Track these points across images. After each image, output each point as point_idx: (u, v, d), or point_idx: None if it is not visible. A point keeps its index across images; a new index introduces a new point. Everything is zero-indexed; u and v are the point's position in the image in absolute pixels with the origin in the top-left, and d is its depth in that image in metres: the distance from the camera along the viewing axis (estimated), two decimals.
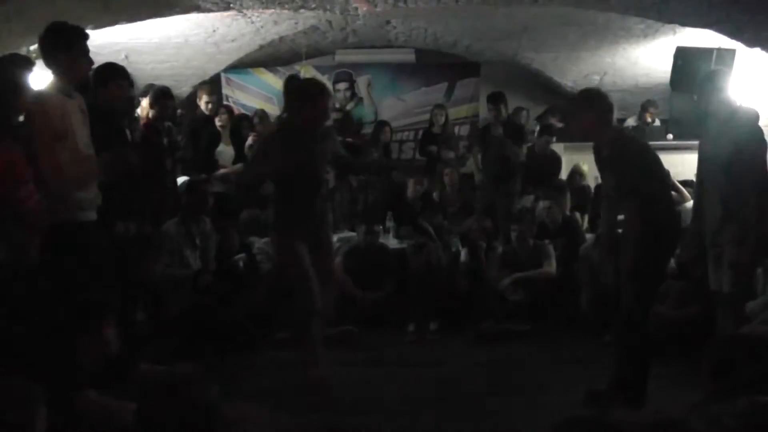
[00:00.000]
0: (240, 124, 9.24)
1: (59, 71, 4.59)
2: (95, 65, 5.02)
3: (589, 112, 4.86)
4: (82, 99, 4.77)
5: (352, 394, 5.39)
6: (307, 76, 11.78)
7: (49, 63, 4.60)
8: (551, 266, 7.31)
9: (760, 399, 2.77)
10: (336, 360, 5.95)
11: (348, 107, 11.78)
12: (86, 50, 4.68)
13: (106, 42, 7.92)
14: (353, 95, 12.07)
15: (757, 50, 6.26)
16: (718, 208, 5.17)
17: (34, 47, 5.67)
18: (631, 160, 4.77)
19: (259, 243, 7.36)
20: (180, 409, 2.69)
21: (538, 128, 11.07)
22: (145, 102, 7.13)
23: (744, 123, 5.13)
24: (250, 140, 8.63)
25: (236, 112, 10.39)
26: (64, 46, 4.57)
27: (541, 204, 8.17)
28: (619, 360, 5.06)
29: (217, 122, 8.74)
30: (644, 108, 10.16)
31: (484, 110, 10.69)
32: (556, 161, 9.44)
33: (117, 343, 4.83)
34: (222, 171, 8.47)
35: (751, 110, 5.26)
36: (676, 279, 6.47)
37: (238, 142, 8.83)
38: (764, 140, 5.17)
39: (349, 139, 9.52)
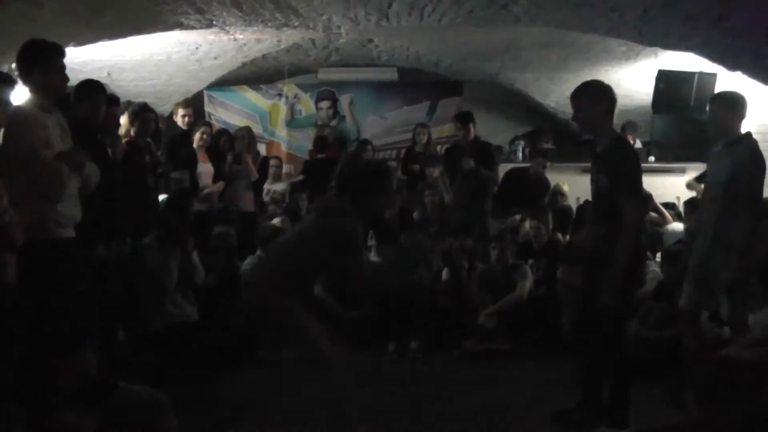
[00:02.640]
0: (219, 138, 9.17)
1: (36, 88, 4.61)
2: (78, 82, 5.02)
3: (598, 103, 4.86)
4: (60, 115, 4.77)
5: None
6: (290, 93, 11.84)
7: (26, 80, 4.63)
8: (524, 288, 7.30)
9: None
10: (315, 378, 5.92)
11: (331, 124, 11.81)
12: (62, 67, 4.69)
13: (89, 59, 7.91)
14: (336, 113, 12.08)
15: (738, 74, 6.29)
16: (714, 231, 5.18)
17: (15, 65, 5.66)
18: (629, 158, 4.82)
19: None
20: None
21: (521, 148, 11.15)
22: (124, 119, 7.09)
23: (747, 148, 5.13)
24: (229, 158, 8.59)
25: (215, 129, 10.33)
26: (40, 63, 4.59)
27: (528, 224, 8.20)
28: (588, 378, 5.15)
29: (197, 141, 8.60)
30: (623, 129, 10.20)
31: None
32: (545, 184, 9.48)
33: (96, 363, 4.78)
34: (206, 190, 8.37)
35: (753, 138, 5.27)
36: (657, 300, 6.50)
37: (216, 158, 8.71)
38: (765, 168, 5.18)
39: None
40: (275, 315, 4.33)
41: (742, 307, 5.40)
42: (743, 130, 5.17)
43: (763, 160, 5.14)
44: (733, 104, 5.20)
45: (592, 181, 5.10)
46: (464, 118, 8.90)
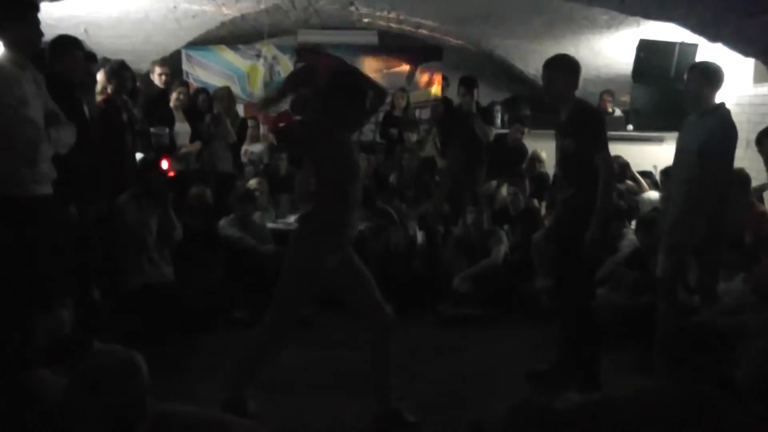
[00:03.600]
0: (197, 98, 9.11)
1: (9, 42, 4.54)
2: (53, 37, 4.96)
3: (567, 76, 5.07)
4: (36, 71, 4.71)
5: (306, 374, 5.46)
6: (269, 54, 11.76)
7: (0, 34, 4.54)
8: (499, 253, 7.34)
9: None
10: (290, 341, 5.95)
11: None
12: (37, 21, 4.62)
13: (65, 15, 7.80)
14: None
15: (719, 45, 6.31)
16: (682, 198, 5.23)
17: None
18: (592, 117, 5.06)
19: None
20: (103, 398, 2.68)
21: (500, 114, 11.13)
22: (100, 76, 7.02)
23: (720, 118, 5.17)
24: (208, 119, 8.52)
25: (193, 88, 10.26)
26: (15, 17, 4.52)
27: (506, 189, 8.21)
28: (561, 342, 5.31)
29: (173, 101, 8.51)
30: (601, 96, 10.25)
31: (451, 93, 10.64)
32: (523, 150, 9.48)
33: (70, 321, 4.78)
34: (183, 150, 8.33)
35: (726, 108, 5.30)
36: (631, 268, 6.56)
37: (194, 117, 8.67)
38: (736, 138, 5.22)
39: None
40: None
41: (711, 274, 5.49)
42: (720, 100, 5.20)
43: (735, 130, 5.19)
44: (709, 75, 5.23)
45: (558, 149, 5.21)
46: (469, 84, 8.61)
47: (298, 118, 7.14)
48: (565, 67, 5.11)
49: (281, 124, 9.01)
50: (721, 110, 5.20)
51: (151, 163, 7.13)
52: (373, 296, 4.63)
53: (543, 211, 8.45)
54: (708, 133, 5.07)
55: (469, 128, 8.41)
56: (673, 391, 2.91)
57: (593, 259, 5.03)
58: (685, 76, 5.41)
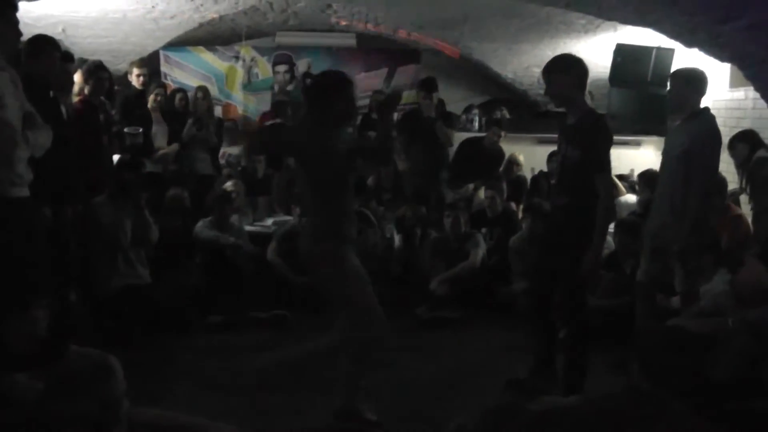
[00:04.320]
0: (174, 97, 9.05)
1: None
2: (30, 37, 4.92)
3: (569, 75, 4.90)
4: (14, 72, 4.66)
5: (283, 377, 5.45)
6: (247, 56, 11.74)
7: None
8: (477, 256, 7.35)
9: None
10: (267, 343, 5.96)
11: (288, 89, 11.73)
12: (15, 21, 4.58)
13: (43, 14, 7.74)
14: (293, 78, 11.99)
15: (695, 51, 6.35)
16: (667, 203, 5.27)
17: None
18: (602, 132, 4.86)
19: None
20: (78, 403, 2.67)
21: (477, 118, 11.14)
22: (78, 77, 6.98)
23: (705, 123, 5.21)
24: (190, 122, 8.47)
25: (171, 89, 10.21)
26: None
27: (484, 193, 8.23)
28: (539, 346, 5.31)
29: (151, 103, 8.45)
30: None
31: None
32: (500, 154, 9.47)
33: (46, 324, 4.74)
34: (160, 152, 8.29)
35: (711, 113, 5.35)
36: (608, 270, 6.60)
37: (172, 119, 8.62)
38: (720, 142, 5.27)
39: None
40: None
41: (695, 278, 5.52)
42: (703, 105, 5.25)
43: (719, 135, 5.23)
44: (692, 80, 5.29)
45: (559, 152, 5.16)
46: (429, 86, 8.60)
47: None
48: (562, 67, 4.95)
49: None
50: (705, 115, 5.25)
51: (127, 164, 7.08)
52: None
53: (520, 214, 8.49)
54: (692, 137, 5.11)
55: (430, 131, 8.42)
56: (630, 393, 2.94)
57: (593, 276, 4.96)
58: (669, 82, 5.45)
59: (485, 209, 8.23)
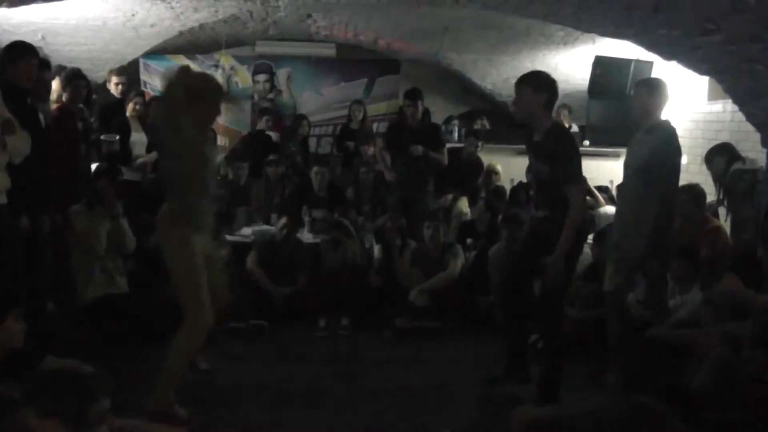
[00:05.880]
0: (152, 106, 8.96)
1: None
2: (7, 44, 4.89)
3: (538, 93, 4.91)
4: None
5: (260, 388, 5.43)
6: (227, 65, 11.73)
7: None
8: (456, 267, 7.40)
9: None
10: (245, 354, 5.93)
11: (268, 98, 11.73)
12: None
13: (23, 21, 7.70)
14: (272, 87, 11.98)
15: (674, 63, 6.40)
16: (629, 214, 5.31)
17: None
18: (566, 145, 4.92)
19: None
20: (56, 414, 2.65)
21: (457, 128, 11.16)
22: (56, 84, 6.94)
23: (664, 135, 5.25)
24: None
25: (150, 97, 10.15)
26: None
27: (464, 203, 8.26)
28: (512, 351, 5.43)
29: (130, 111, 8.37)
30: (557, 111, 10.30)
31: None
32: (479, 165, 9.48)
33: (22, 334, 4.70)
34: (139, 160, 8.24)
35: (671, 125, 5.39)
36: (587, 281, 6.63)
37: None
38: (680, 154, 5.32)
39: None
40: None
41: (659, 288, 5.56)
42: (668, 117, 5.28)
43: (678, 147, 5.30)
44: (653, 90, 5.33)
45: (530, 170, 5.21)
46: (414, 96, 8.53)
47: None
48: (533, 84, 4.95)
49: None
50: (665, 126, 5.30)
51: (103, 171, 7.04)
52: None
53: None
54: (651, 149, 5.16)
55: (415, 141, 8.43)
56: (616, 403, 2.95)
57: (558, 281, 4.95)
58: (632, 92, 5.50)
59: (474, 221, 8.24)
